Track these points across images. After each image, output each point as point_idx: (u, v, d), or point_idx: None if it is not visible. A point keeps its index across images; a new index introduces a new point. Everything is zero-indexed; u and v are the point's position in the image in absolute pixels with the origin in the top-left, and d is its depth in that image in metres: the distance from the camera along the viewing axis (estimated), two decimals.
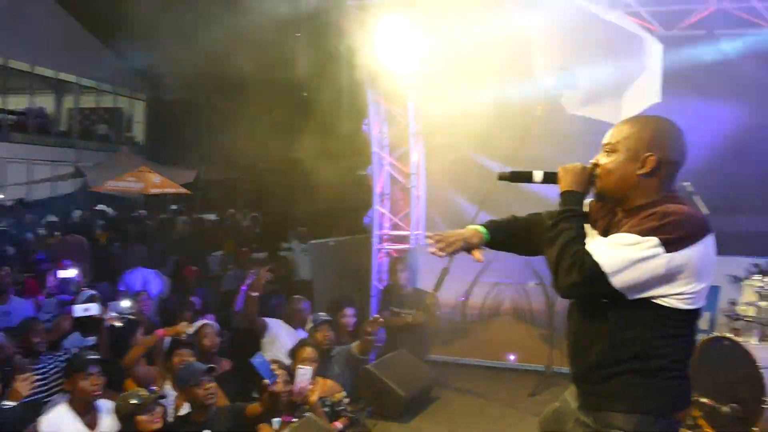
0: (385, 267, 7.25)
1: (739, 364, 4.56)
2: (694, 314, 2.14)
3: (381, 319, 5.10)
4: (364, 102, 7.01)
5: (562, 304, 6.14)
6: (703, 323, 5.98)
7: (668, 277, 2.04)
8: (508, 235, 2.55)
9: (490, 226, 2.51)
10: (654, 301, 2.08)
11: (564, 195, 2.25)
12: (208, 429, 3.65)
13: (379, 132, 7.11)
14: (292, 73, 11.68)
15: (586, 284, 2.07)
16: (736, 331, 4.93)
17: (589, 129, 5.31)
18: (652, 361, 2.13)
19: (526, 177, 2.38)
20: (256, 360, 3.68)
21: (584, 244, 2.12)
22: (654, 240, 2.01)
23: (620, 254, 2.04)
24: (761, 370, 4.38)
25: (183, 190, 14.78)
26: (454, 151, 6.99)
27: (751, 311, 4.88)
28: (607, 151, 2.25)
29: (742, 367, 4.53)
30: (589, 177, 2.26)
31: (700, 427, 4.76)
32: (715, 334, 4.89)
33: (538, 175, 2.36)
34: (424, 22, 6.40)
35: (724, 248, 6.16)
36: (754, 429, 4.33)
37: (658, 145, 2.18)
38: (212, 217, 14.93)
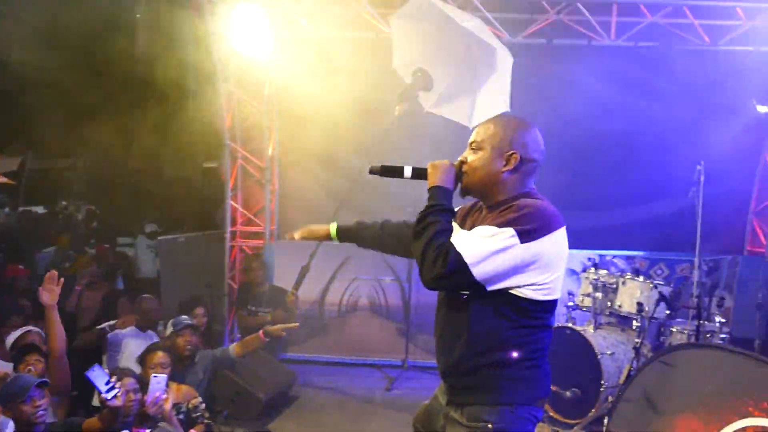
0: (239, 264, 7.00)
1: (579, 351, 4.92)
2: (550, 305, 2.26)
3: (281, 329, 4.87)
4: (217, 92, 6.65)
5: (417, 299, 6.32)
6: None
7: (523, 266, 2.15)
8: (359, 239, 2.76)
9: (340, 230, 2.79)
10: (511, 292, 2.18)
11: (432, 190, 2.31)
12: None
13: (232, 124, 6.80)
14: (133, 56, 10.89)
15: (450, 276, 2.13)
16: (574, 321, 5.33)
17: (445, 127, 5.46)
18: (512, 352, 2.23)
19: (396, 171, 2.44)
20: (91, 373, 3.32)
21: (449, 237, 2.19)
22: (510, 231, 2.12)
23: (480, 246, 2.13)
24: (598, 357, 4.76)
25: (3, 180, 13.28)
26: (310, 146, 6.86)
27: (587, 302, 5.29)
28: (473, 149, 2.36)
29: (581, 355, 4.89)
30: (457, 173, 2.35)
31: (545, 411, 5.09)
32: (558, 324, 5.23)
33: (407, 170, 2.43)
34: (282, 13, 6.22)
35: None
36: (592, 411, 4.70)
37: (521, 143, 2.31)
38: (40, 209, 13.57)
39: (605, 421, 4.60)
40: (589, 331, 4.99)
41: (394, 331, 6.52)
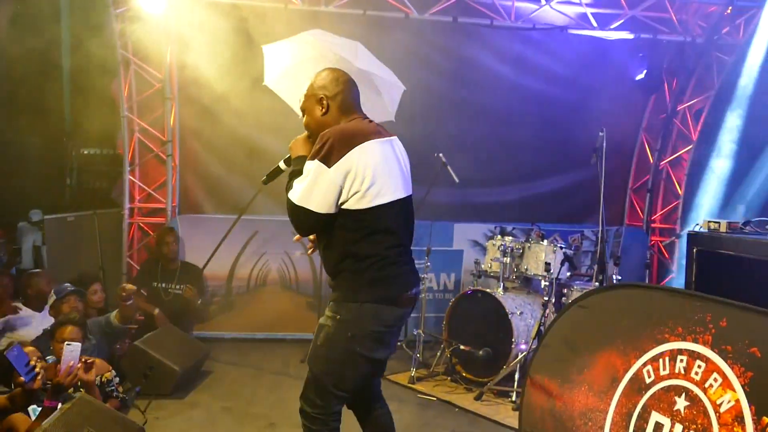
0: (137, 242, 6.65)
1: (490, 312, 5.18)
2: (381, 211, 2.64)
3: (131, 286, 4.63)
4: (114, 60, 6.27)
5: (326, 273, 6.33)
6: (449, 283, 6.67)
7: (338, 185, 2.56)
8: None
9: None
10: (343, 207, 2.59)
11: (293, 162, 2.80)
12: None
13: (129, 94, 6.45)
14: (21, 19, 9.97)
15: (300, 221, 2.61)
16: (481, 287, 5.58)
17: None
18: (355, 258, 2.63)
19: (277, 172, 2.95)
20: (11, 353, 3.06)
21: None
22: (315, 162, 2.56)
23: (302, 186, 2.58)
24: (509, 316, 5.03)
25: None
26: (210, 117, 6.65)
27: (495, 266, 5.55)
28: (303, 114, 2.84)
29: (492, 316, 5.15)
30: (306, 139, 2.81)
31: (459, 372, 5.30)
32: (470, 288, 5.46)
33: (282, 164, 2.92)
34: None
35: (466, 216, 6.95)
36: (504, 368, 4.95)
37: (322, 86, 2.77)
38: None
39: (516, 376, 4.91)
40: (498, 293, 5.25)
41: (304, 305, 6.49)
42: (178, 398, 4.65)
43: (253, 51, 5.64)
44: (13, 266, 6.55)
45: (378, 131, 2.74)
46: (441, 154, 5.78)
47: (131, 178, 6.56)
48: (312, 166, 2.56)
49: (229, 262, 6.37)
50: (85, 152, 14.45)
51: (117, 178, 7.13)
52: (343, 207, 2.60)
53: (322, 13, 6.12)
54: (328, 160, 2.54)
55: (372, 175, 2.59)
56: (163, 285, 5.70)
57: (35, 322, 4.70)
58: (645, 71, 6.70)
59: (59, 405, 3.25)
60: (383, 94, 4.96)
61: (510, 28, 6.44)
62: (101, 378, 4.00)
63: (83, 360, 3.52)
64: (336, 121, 2.74)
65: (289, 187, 2.67)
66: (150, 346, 4.67)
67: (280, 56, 5.01)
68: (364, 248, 2.64)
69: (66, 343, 3.55)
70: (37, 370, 3.18)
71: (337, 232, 2.65)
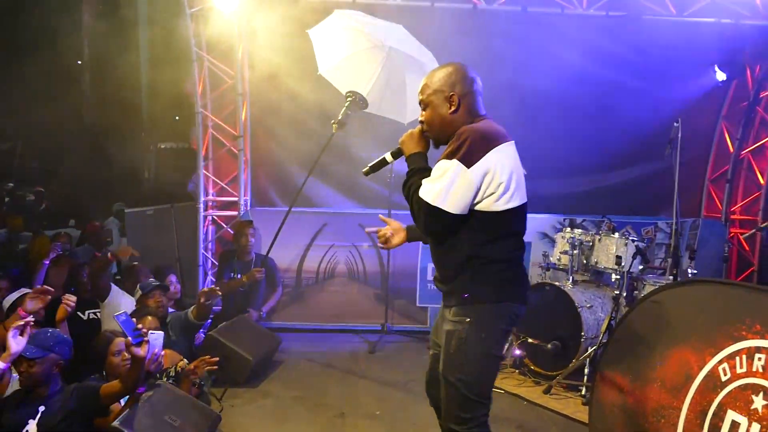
0: (212, 235, 6.92)
1: (559, 306, 5.10)
2: (513, 213, 2.58)
3: (218, 289, 4.80)
4: (188, 58, 6.52)
5: (394, 265, 6.40)
6: None
7: (476, 186, 2.50)
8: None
9: (409, 230, 3.01)
10: (476, 209, 2.53)
11: (408, 160, 2.71)
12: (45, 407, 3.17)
13: (203, 91, 6.69)
14: (84, 22, 10.55)
15: (432, 221, 2.52)
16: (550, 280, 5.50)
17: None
18: (484, 260, 2.59)
19: (382, 163, 2.86)
20: (119, 317, 3.17)
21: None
22: (454, 162, 2.48)
23: (437, 186, 2.50)
24: (578, 310, 4.95)
25: None
26: (280, 112, 6.82)
27: (564, 260, 5.47)
28: (423, 108, 2.72)
29: (561, 309, 5.07)
30: (421, 135, 2.72)
31: (527, 365, 5.26)
32: (537, 281, 5.40)
33: (388, 157, 2.83)
34: None
35: (534, 208, 6.82)
36: (574, 362, 4.88)
37: (453, 83, 2.66)
38: None
39: (586, 371, 4.83)
40: (567, 286, 5.17)
41: (372, 297, 6.58)
42: (252, 387, 4.82)
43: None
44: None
45: (507, 133, 2.68)
46: None
47: (205, 172, 6.81)
48: (450, 166, 2.48)
49: (299, 254, 6.53)
50: (162, 147, 15.13)
51: (191, 171, 7.43)
52: (476, 208, 2.54)
53: (389, 6, 6.16)
54: (469, 160, 2.47)
55: (508, 178, 2.54)
56: (239, 276, 5.90)
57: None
58: (723, 74, 6.42)
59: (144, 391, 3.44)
60: None
61: (582, 16, 6.29)
62: (175, 368, 4.18)
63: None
64: (464, 121, 2.64)
65: (412, 184, 2.60)
66: (224, 336, 4.86)
67: (330, 44, 5.12)
68: (493, 250, 2.59)
69: (150, 332, 3.75)
70: (144, 334, 3.27)
71: (463, 233, 2.59)
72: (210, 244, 6.90)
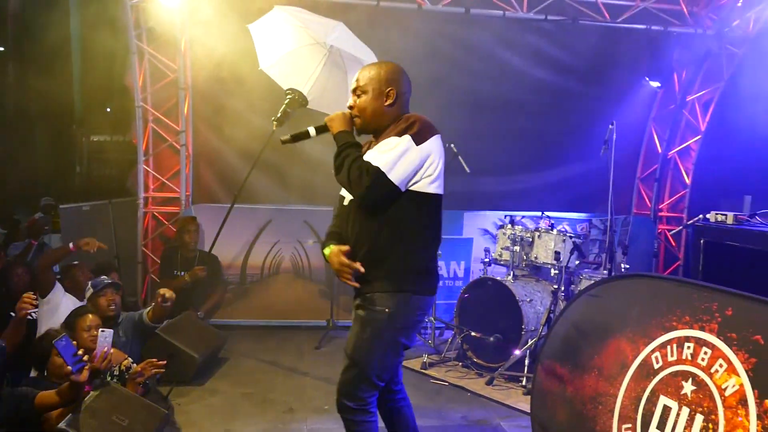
0: (152, 231, 6.78)
1: (500, 300, 5.28)
2: (438, 200, 2.73)
3: (171, 294, 4.71)
4: (126, 50, 6.36)
5: None
6: (459, 271, 6.78)
7: (421, 163, 2.64)
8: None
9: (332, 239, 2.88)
10: (413, 189, 2.65)
11: (337, 136, 2.77)
12: None
13: (143, 84, 6.54)
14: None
15: (374, 186, 2.57)
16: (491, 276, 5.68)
17: None
18: (409, 247, 2.68)
19: (304, 135, 2.87)
20: (59, 343, 3.10)
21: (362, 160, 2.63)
22: (406, 137, 2.62)
23: (388, 155, 2.60)
24: (519, 303, 5.13)
25: None
26: (223, 107, 6.76)
27: (506, 256, 5.65)
28: (357, 95, 2.81)
29: (503, 303, 5.25)
30: (350, 118, 2.80)
31: (470, 358, 5.42)
32: (480, 276, 5.57)
33: (312, 130, 2.85)
34: None
35: (476, 205, 7.02)
36: (516, 352, 5.07)
37: (394, 80, 2.80)
38: None
39: (526, 362, 5.02)
40: (509, 281, 5.36)
41: (317, 292, 6.61)
42: (198, 385, 4.79)
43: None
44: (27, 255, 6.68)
45: None
46: (453, 144, 5.88)
47: (145, 167, 6.67)
48: (402, 141, 2.61)
49: (243, 250, 6.49)
50: (95, 139, 14.59)
51: (129, 166, 7.26)
52: (412, 188, 2.65)
53: (334, 3, 6.18)
54: (419, 139, 2.63)
55: (441, 165, 2.71)
56: (182, 273, 5.82)
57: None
58: (656, 83, 6.78)
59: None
60: None
61: (522, 19, 6.49)
62: (119, 366, 4.11)
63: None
64: (394, 116, 2.78)
65: (348, 155, 2.65)
66: (169, 334, 4.79)
67: (271, 40, 5.14)
68: (420, 240, 2.71)
69: (100, 330, 3.68)
70: (85, 359, 3.18)
71: (403, 217, 2.67)
72: (150, 241, 6.77)
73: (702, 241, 4.51)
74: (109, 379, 3.99)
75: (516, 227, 5.70)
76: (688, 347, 2.85)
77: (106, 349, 3.50)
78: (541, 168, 7.39)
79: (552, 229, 5.55)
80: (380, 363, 2.74)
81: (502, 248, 5.69)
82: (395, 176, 2.58)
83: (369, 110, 2.79)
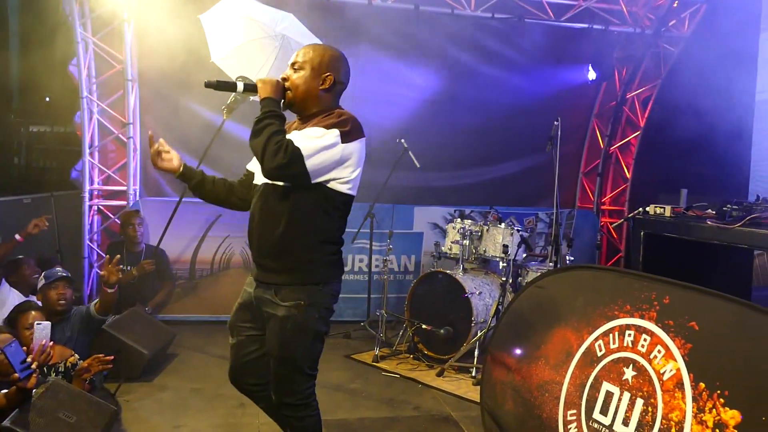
0: (98, 225, 6.62)
1: (450, 293, 5.39)
2: (350, 201, 2.76)
3: (119, 269, 4.60)
4: (71, 40, 6.17)
5: None
6: (410, 265, 6.87)
7: (341, 162, 2.62)
8: (196, 184, 2.93)
9: (186, 169, 2.94)
10: (326, 185, 2.63)
11: (264, 101, 2.67)
12: None
13: (88, 75, 6.36)
14: None
15: (288, 165, 2.51)
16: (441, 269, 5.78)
17: None
18: (319, 238, 2.69)
19: (230, 87, 2.75)
20: (8, 348, 3.01)
21: (284, 136, 2.56)
22: (335, 131, 2.58)
23: (312, 143, 2.55)
24: (469, 296, 5.25)
25: None
26: (168, 99, 6.65)
27: (455, 249, 5.76)
28: (295, 69, 2.75)
29: (453, 296, 5.36)
30: (283, 89, 2.73)
31: (421, 350, 5.51)
32: (431, 269, 5.66)
33: (240, 85, 2.74)
34: None
35: (426, 200, 7.12)
36: (465, 345, 5.19)
37: (335, 68, 2.76)
38: None
39: (476, 353, 5.15)
40: (458, 274, 5.46)
41: None
42: (147, 381, 4.72)
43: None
44: None
45: None
46: (402, 140, 5.96)
47: (90, 159, 6.49)
48: (330, 134, 2.57)
49: (193, 245, 6.41)
50: (34, 130, 14.03)
51: (72, 158, 7.06)
52: (329, 185, 2.63)
53: None
54: (346, 138, 2.60)
55: (360, 167, 2.71)
56: (128, 268, 5.71)
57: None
58: (596, 75, 7.02)
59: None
60: None
61: (470, 16, 6.61)
62: (65, 363, 4.03)
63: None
64: (327, 103, 2.75)
65: (270, 123, 2.56)
66: (116, 329, 4.71)
67: (223, 32, 5.09)
68: (332, 231, 2.74)
69: (36, 322, 3.59)
70: (33, 366, 3.11)
71: (314, 211, 2.65)
72: (96, 235, 6.61)
73: (642, 233, 4.72)
74: (54, 375, 3.91)
75: (465, 221, 5.82)
76: (629, 335, 3.00)
77: (44, 342, 3.43)
78: (489, 163, 7.55)
79: (500, 223, 5.69)
80: (309, 354, 2.75)
81: (451, 242, 5.80)
82: (311, 165, 2.54)
83: (302, 88, 2.72)
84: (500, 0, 6.59)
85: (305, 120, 2.74)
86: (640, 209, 4.74)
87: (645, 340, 2.90)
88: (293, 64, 2.76)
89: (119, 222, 6.29)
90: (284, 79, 2.74)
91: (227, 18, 5.11)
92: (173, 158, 2.91)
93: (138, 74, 6.48)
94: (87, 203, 6.48)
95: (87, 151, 6.44)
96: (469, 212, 6.81)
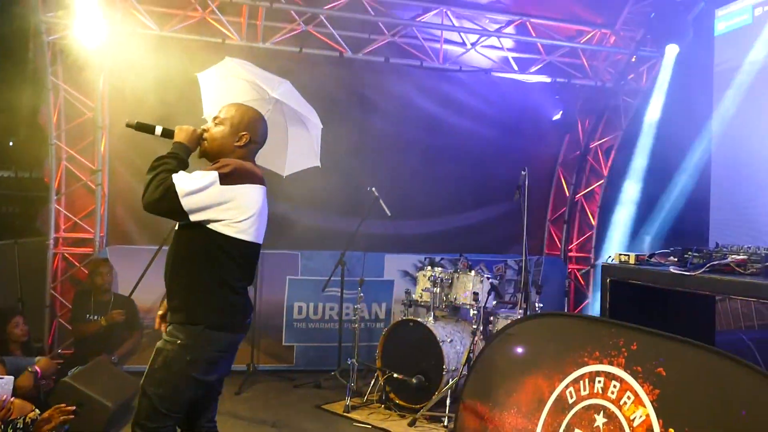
0: (62, 273, 6.49)
1: (421, 341, 5.38)
2: (243, 245, 2.79)
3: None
4: (43, 86, 6.17)
5: (260, 303, 6.39)
6: (380, 313, 6.86)
7: (220, 204, 2.70)
8: None
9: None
10: (209, 226, 2.71)
11: (175, 145, 2.83)
12: None
13: (57, 122, 6.34)
14: None
15: (162, 200, 2.62)
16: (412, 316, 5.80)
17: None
18: (205, 281, 2.73)
19: (149, 129, 2.87)
20: None
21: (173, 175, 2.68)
22: (213, 174, 2.69)
23: (190, 182, 2.65)
24: (440, 344, 5.25)
25: None
26: (141, 147, 6.64)
27: (426, 297, 5.79)
28: (216, 123, 2.92)
29: (424, 344, 5.36)
30: (198, 139, 2.88)
31: (392, 399, 5.46)
32: (401, 318, 5.66)
33: (158, 129, 2.87)
34: (123, 8, 6.02)
35: (396, 247, 7.16)
36: (436, 394, 5.16)
37: (252, 128, 2.95)
38: None
39: (448, 402, 5.12)
40: (429, 322, 5.48)
41: None
42: None
43: (189, 84, 5.69)
44: None
45: (263, 179, 2.92)
46: (373, 188, 6.03)
47: (57, 206, 6.42)
48: (209, 175, 2.68)
49: (160, 293, 6.29)
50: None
51: (37, 204, 6.96)
52: (213, 227, 2.71)
53: (259, 49, 6.27)
54: (224, 179, 2.69)
55: (249, 213, 2.77)
56: (96, 317, 5.59)
57: None
58: (561, 112, 7.26)
59: None
60: (313, 137, 5.18)
61: (438, 69, 6.81)
62: (24, 419, 3.89)
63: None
64: (239, 159, 2.88)
65: (167, 163, 2.71)
66: (79, 381, 4.57)
67: (218, 90, 5.13)
68: (220, 274, 2.75)
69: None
70: None
71: (199, 252, 2.73)
72: (60, 283, 6.47)
73: (608, 280, 4.81)
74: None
75: (436, 268, 5.86)
76: (599, 381, 3.04)
77: (5, 397, 3.33)
78: (458, 211, 7.67)
79: (470, 271, 5.75)
80: (170, 395, 2.72)
81: (422, 289, 5.83)
82: (186, 203, 2.63)
83: (218, 142, 2.88)
84: (468, 54, 6.82)
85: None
86: (607, 256, 4.85)
87: (615, 386, 2.95)
88: (215, 118, 2.93)
89: (86, 270, 6.19)
90: (204, 131, 2.90)
91: (224, 78, 5.18)
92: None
93: (109, 122, 6.48)
94: (52, 250, 6.38)
95: (54, 197, 6.38)
96: (439, 260, 6.87)
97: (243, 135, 2.89)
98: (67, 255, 6.53)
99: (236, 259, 2.77)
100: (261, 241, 2.89)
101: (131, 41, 6.01)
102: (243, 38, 6.25)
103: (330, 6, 6.33)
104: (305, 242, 6.81)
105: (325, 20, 6.37)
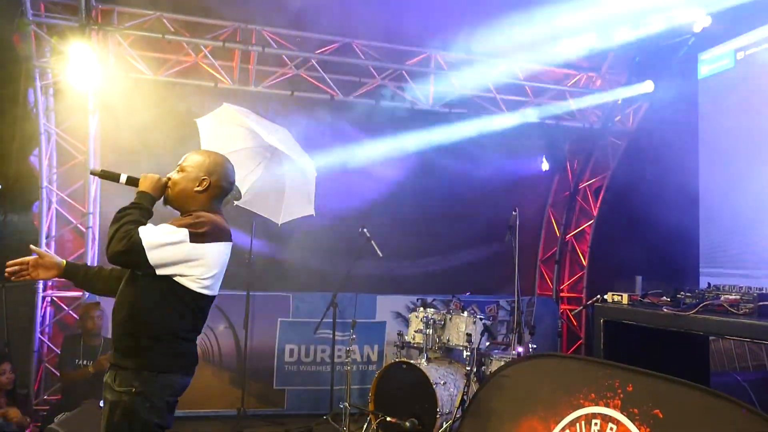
0: (51, 318, 6.40)
1: (415, 383, 5.31)
2: (203, 300, 2.79)
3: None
4: (35, 130, 6.20)
5: (251, 346, 6.32)
6: (373, 355, 6.80)
7: (189, 261, 2.68)
8: (79, 278, 3.00)
9: (69, 266, 2.98)
10: (175, 279, 2.68)
11: (139, 194, 2.82)
12: None
13: (49, 165, 6.35)
14: None
15: (128, 253, 2.58)
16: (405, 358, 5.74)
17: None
18: (161, 330, 2.69)
19: (114, 177, 2.88)
20: None
21: (138, 227, 2.63)
22: (184, 231, 2.66)
23: (159, 237, 2.61)
24: (434, 386, 5.19)
25: None
26: (132, 189, 6.63)
27: (419, 338, 5.74)
28: (179, 171, 2.90)
29: (418, 386, 5.29)
30: (163, 187, 2.86)
31: None
32: (394, 360, 5.60)
33: (123, 177, 2.87)
34: (116, 53, 6.10)
35: (388, 288, 7.14)
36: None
37: (213, 172, 2.90)
38: None
39: None
40: (422, 364, 5.42)
41: (227, 380, 6.39)
42: None
43: (183, 127, 5.75)
44: None
45: (230, 234, 2.91)
46: (365, 229, 6.04)
47: (47, 250, 6.36)
48: (179, 232, 2.64)
49: None
50: None
51: (25, 248, 6.89)
52: (179, 280, 2.69)
53: (251, 93, 6.35)
54: (195, 239, 2.67)
55: (215, 270, 2.77)
56: (85, 362, 5.49)
57: None
58: (548, 164, 7.40)
59: None
60: (309, 185, 5.23)
61: (429, 111, 6.91)
62: None
63: None
64: (202, 203, 2.86)
65: (131, 213, 2.69)
66: (66, 427, 4.48)
67: (217, 137, 5.18)
68: (176, 327, 2.73)
69: None
70: None
71: (159, 301, 2.70)
72: (47, 327, 6.37)
73: (602, 321, 4.80)
74: None
75: (428, 309, 5.83)
76: (596, 423, 3.01)
77: None
78: (450, 251, 7.69)
79: (462, 312, 5.72)
80: None
81: (415, 331, 5.79)
82: (152, 257, 2.60)
83: (179, 187, 2.85)
84: (456, 98, 6.92)
85: (181, 215, 2.85)
86: (599, 296, 4.85)
87: (611, 428, 2.92)
88: (179, 165, 2.92)
89: (76, 314, 6.11)
90: (168, 179, 2.88)
91: (223, 124, 5.24)
92: (54, 265, 2.96)
93: (101, 165, 6.49)
94: (40, 294, 6.30)
95: (44, 240, 6.32)
96: (432, 301, 6.85)
97: (203, 180, 2.85)
98: (55, 299, 6.44)
99: (194, 311, 2.77)
100: (215, 294, 2.86)
101: (124, 85, 6.07)
102: (235, 82, 6.32)
103: (321, 51, 6.44)
104: (297, 284, 6.78)
105: (315, 64, 6.47)
